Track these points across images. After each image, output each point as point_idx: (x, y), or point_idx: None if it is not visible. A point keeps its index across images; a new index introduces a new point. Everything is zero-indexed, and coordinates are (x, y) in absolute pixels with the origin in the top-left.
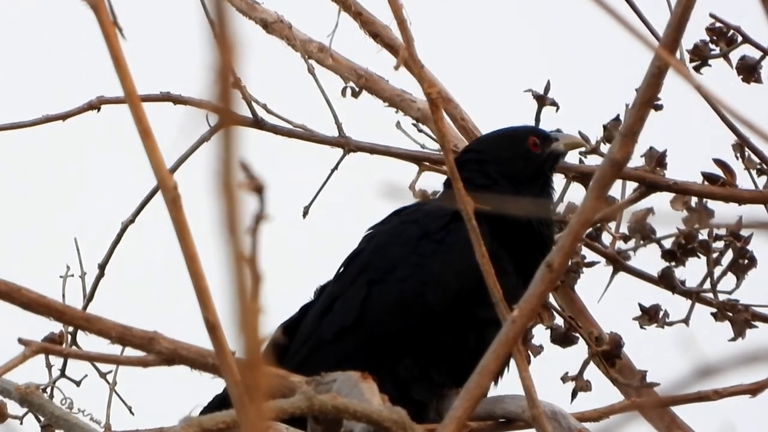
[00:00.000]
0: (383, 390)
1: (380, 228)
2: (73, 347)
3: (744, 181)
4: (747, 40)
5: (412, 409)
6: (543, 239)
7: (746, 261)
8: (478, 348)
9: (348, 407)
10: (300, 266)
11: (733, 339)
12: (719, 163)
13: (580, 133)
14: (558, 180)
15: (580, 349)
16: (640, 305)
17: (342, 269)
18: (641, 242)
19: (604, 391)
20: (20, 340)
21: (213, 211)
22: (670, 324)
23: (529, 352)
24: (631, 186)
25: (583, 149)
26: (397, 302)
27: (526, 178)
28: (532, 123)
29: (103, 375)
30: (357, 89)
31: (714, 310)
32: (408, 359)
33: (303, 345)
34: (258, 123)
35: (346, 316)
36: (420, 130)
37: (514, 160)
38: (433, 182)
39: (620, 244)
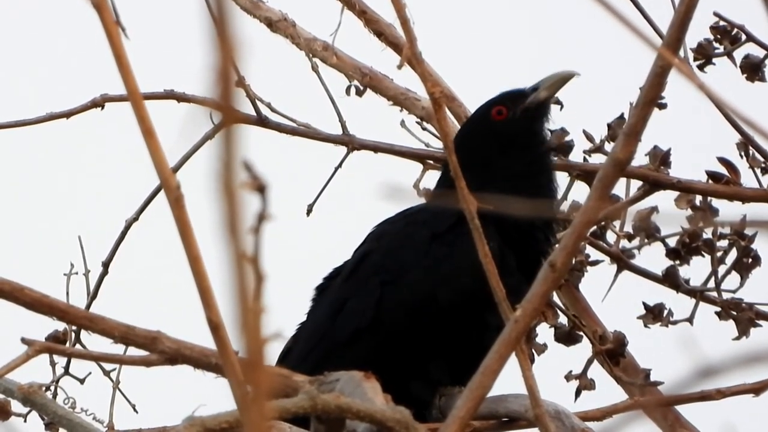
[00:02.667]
0: (385, 388)
1: (387, 228)
2: (77, 346)
3: (748, 179)
4: (751, 38)
5: (414, 407)
6: (536, 238)
7: (750, 260)
8: (478, 347)
9: (351, 407)
10: (303, 265)
11: (737, 338)
12: (723, 161)
13: (584, 132)
14: (561, 178)
15: (584, 348)
16: (644, 304)
17: (350, 269)
18: (645, 241)
19: (607, 390)
20: (23, 340)
21: (215, 211)
22: (674, 323)
23: (533, 350)
24: (635, 184)
25: (569, 83)
26: (410, 304)
27: (501, 153)
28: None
29: (106, 373)
30: (361, 87)
31: (718, 308)
32: (409, 356)
33: (315, 347)
34: (262, 121)
35: (362, 317)
36: (424, 129)
37: (482, 143)
38: None
39: (624, 243)
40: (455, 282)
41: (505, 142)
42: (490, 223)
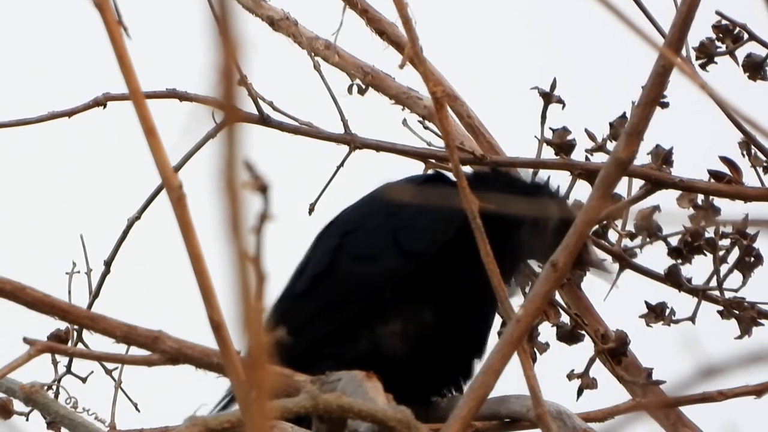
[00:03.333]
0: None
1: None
2: (79, 345)
3: (750, 178)
4: (753, 37)
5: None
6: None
7: (752, 259)
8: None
9: (353, 406)
10: None
11: (740, 337)
12: (725, 160)
13: (586, 131)
14: (563, 177)
15: (586, 347)
16: (646, 303)
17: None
18: (647, 240)
19: (609, 390)
20: (25, 339)
21: (217, 210)
22: (677, 322)
23: (535, 349)
24: (637, 183)
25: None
26: (369, 248)
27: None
28: (539, 120)
29: (108, 372)
30: (363, 86)
31: (720, 307)
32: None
33: (277, 308)
34: (264, 120)
35: (318, 265)
36: (426, 128)
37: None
38: None
39: (626, 242)
40: (414, 224)
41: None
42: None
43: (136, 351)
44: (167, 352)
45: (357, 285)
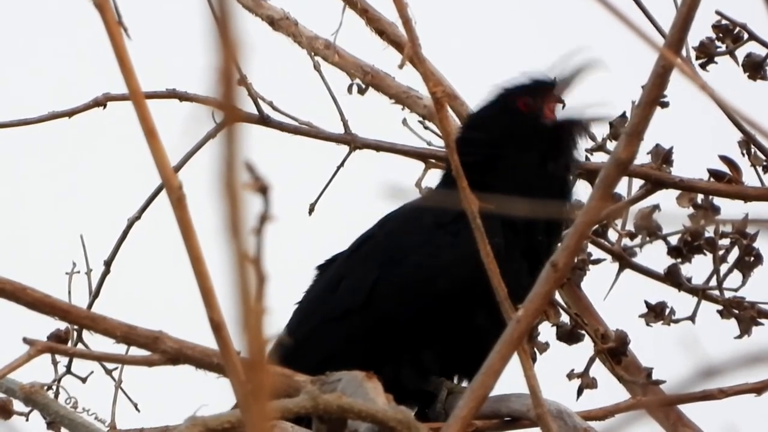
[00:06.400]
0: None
1: (392, 215)
2: (79, 345)
3: (750, 178)
4: (753, 37)
5: (415, 400)
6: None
7: (752, 258)
8: (474, 339)
9: (353, 407)
10: (305, 265)
11: (739, 336)
12: (725, 160)
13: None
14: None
15: (585, 347)
16: (646, 302)
17: (352, 249)
18: (647, 239)
19: (609, 389)
20: (25, 340)
21: (217, 211)
22: (676, 321)
23: (535, 349)
24: (637, 183)
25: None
26: (407, 289)
27: (520, 148)
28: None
29: (108, 372)
30: (363, 86)
31: (720, 307)
32: (398, 341)
33: (309, 318)
34: (264, 120)
35: (355, 297)
36: (426, 128)
37: (503, 134)
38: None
39: (626, 241)
40: (455, 271)
41: (527, 137)
42: (496, 218)
43: (136, 351)
44: (167, 352)
45: (389, 323)
